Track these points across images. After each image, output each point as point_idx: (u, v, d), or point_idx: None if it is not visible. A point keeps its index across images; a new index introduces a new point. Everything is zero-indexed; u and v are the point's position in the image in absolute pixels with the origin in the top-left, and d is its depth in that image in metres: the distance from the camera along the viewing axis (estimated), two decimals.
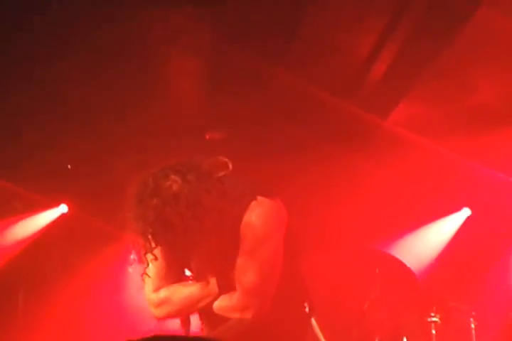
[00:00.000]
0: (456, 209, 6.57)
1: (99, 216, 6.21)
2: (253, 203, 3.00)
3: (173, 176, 2.95)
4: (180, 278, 3.14)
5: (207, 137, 6.39)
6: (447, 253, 6.37)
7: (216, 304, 2.99)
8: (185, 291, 3.05)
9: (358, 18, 4.97)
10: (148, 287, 3.09)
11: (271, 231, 3.00)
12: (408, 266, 5.14)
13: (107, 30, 5.04)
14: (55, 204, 6.59)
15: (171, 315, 3.10)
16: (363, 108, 5.87)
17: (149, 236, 2.96)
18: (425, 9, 4.78)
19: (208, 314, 3.07)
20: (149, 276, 3.07)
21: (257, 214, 2.99)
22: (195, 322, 3.19)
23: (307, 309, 3.23)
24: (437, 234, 6.47)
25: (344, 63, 5.57)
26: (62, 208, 6.61)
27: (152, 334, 1.99)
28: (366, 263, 5.22)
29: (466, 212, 6.53)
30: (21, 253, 6.34)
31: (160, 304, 3.05)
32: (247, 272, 2.96)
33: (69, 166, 6.40)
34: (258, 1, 4.91)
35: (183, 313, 3.10)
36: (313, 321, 3.29)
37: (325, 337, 3.33)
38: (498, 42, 4.90)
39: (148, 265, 3.05)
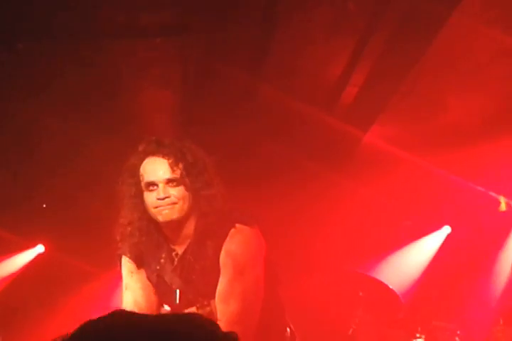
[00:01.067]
0: (437, 227, 6.56)
1: (76, 254, 6.12)
2: (232, 231, 2.95)
3: None
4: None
5: None
6: (430, 273, 6.34)
7: None
8: None
9: (327, 39, 5.01)
10: None
11: (251, 260, 2.96)
12: (391, 287, 5.10)
13: (74, 64, 5.02)
14: (32, 244, 6.48)
15: None
16: (339, 128, 5.89)
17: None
18: (392, 29, 4.84)
19: None
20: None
21: (237, 242, 2.95)
22: None
23: (288, 333, 3.19)
24: (419, 254, 6.44)
25: (316, 85, 5.60)
26: (39, 248, 6.50)
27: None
28: (349, 286, 5.17)
29: (446, 230, 6.52)
30: (0, 295, 6.21)
31: None
32: (229, 301, 2.89)
33: (44, 205, 6.31)
34: (224, 25, 4.93)
35: None
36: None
37: None
38: (466, 59, 4.96)
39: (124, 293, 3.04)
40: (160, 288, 3.10)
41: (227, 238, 2.95)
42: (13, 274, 6.33)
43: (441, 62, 4.91)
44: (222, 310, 2.90)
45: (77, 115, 5.37)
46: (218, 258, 2.96)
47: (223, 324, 2.82)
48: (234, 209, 3.06)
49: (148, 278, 3.13)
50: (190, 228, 2.99)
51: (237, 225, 2.96)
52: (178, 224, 2.99)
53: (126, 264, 3.17)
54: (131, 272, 3.15)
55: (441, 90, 5.26)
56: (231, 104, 5.62)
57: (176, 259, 3.03)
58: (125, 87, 5.32)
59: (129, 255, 3.13)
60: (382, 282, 5.22)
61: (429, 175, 6.11)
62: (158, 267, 3.08)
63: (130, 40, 5.00)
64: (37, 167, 5.99)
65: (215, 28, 4.93)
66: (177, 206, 2.91)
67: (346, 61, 5.21)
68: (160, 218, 2.96)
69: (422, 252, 6.43)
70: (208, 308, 2.98)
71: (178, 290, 3.03)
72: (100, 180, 6.09)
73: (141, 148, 2.97)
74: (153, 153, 2.93)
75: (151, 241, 3.03)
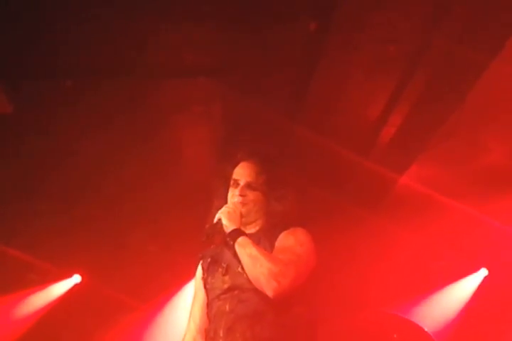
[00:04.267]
0: (474, 269, 6.49)
1: (113, 285, 6.18)
2: (288, 230, 3.18)
3: None
4: None
5: None
6: (466, 316, 6.27)
7: (253, 269, 2.99)
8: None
9: (366, 80, 5.05)
10: None
11: (309, 245, 3.14)
12: (426, 329, 5.05)
13: (120, 102, 5.14)
14: (69, 274, 6.56)
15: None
16: (375, 170, 5.89)
17: None
18: (432, 72, 4.86)
19: None
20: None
21: (295, 233, 3.17)
22: None
23: None
24: (455, 296, 6.38)
25: (354, 125, 5.63)
26: (76, 278, 6.57)
27: None
28: (385, 328, 5.14)
29: (483, 273, 6.44)
30: (37, 324, 6.28)
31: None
32: (285, 252, 3.06)
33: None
34: (265, 65, 5.01)
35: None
36: None
37: None
38: (507, 103, 4.95)
39: None
40: (210, 267, 3.28)
41: (284, 232, 3.17)
42: (49, 304, 6.41)
43: (482, 105, 4.92)
44: (278, 257, 3.03)
45: (117, 144, 5.48)
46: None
47: (278, 263, 2.98)
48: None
49: (202, 266, 3.34)
50: (254, 228, 3.25)
51: (292, 227, 3.20)
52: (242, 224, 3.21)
53: (199, 270, 3.40)
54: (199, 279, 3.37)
55: (481, 132, 5.26)
56: (269, 145, 5.66)
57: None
58: (167, 123, 5.41)
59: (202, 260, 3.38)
60: (417, 324, 5.19)
61: (467, 218, 6.07)
62: (213, 251, 3.30)
63: (172, 79, 5.10)
64: (78, 196, 6.10)
65: (256, 69, 5.02)
66: (246, 207, 3.21)
67: (385, 102, 5.23)
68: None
69: (458, 294, 6.37)
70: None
71: (225, 265, 3.19)
72: (137, 208, 6.20)
73: (237, 155, 3.34)
74: (246, 160, 3.30)
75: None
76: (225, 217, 3.13)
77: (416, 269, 6.33)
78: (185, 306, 6.16)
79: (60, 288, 6.48)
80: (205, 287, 3.29)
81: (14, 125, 5.33)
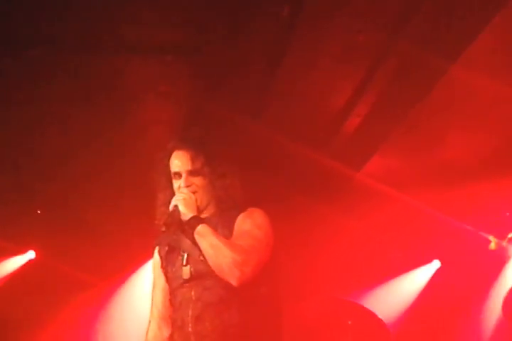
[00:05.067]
0: (427, 261, 6.60)
1: (69, 261, 6.12)
2: (246, 211, 3.22)
3: None
4: None
5: None
6: (418, 305, 6.38)
7: (216, 259, 3.00)
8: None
9: (333, 67, 5.08)
10: None
11: (266, 226, 3.18)
12: (380, 317, 5.12)
13: (82, 74, 5.07)
14: (23, 250, 6.47)
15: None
16: (336, 159, 5.94)
17: None
18: (400, 62, 4.91)
19: None
20: None
21: (253, 215, 3.20)
22: None
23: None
24: (408, 286, 6.49)
25: (318, 114, 5.65)
26: (30, 254, 6.49)
27: None
28: (339, 315, 5.20)
29: (436, 264, 6.56)
30: None
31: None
32: (245, 238, 3.08)
33: (39, 211, 6.32)
34: (233, 48, 4.99)
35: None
36: None
37: None
38: (470, 97, 5.02)
39: None
40: (169, 255, 3.28)
41: (241, 215, 3.19)
42: (1, 279, 6.31)
43: (444, 100, 4.96)
44: (238, 243, 3.05)
45: (79, 121, 5.42)
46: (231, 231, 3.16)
47: (240, 250, 2.99)
48: (248, 199, 3.30)
49: (159, 254, 3.34)
50: (209, 212, 3.25)
51: (249, 208, 3.22)
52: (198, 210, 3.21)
53: (156, 257, 3.39)
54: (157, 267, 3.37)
55: (442, 127, 5.32)
56: (231, 130, 5.66)
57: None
58: (131, 98, 5.36)
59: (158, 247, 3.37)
60: (372, 311, 5.26)
61: (422, 211, 6.15)
62: (169, 238, 3.30)
63: (141, 55, 5.05)
64: (33, 172, 6.01)
65: (225, 50, 4.99)
66: (197, 195, 3.21)
67: (351, 91, 5.27)
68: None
69: (411, 284, 6.47)
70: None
71: (185, 254, 3.19)
72: (96, 187, 6.14)
73: (169, 145, 3.31)
74: (178, 148, 3.27)
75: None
76: (181, 204, 3.12)
77: (370, 259, 6.41)
78: (141, 286, 6.18)
79: (14, 263, 6.39)
80: (165, 275, 3.29)
81: None
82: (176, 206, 3.12)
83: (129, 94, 5.34)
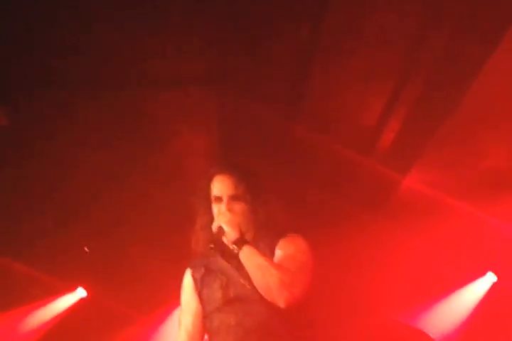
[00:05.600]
0: (481, 274, 6.40)
1: (117, 298, 6.16)
2: (285, 237, 3.14)
3: None
4: None
5: None
6: (473, 322, 6.17)
7: (263, 279, 2.94)
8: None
9: (362, 85, 5.02)
10: None
11: (309, 253, 3.10)
12: (433, 337, 4.97)
13: (113, 112, 5.14)
14: (73, 288, 6.55)
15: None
16: (377, 173, 5.84)
17: None
18: (428, 74, 4.82)
19: None
20: None
21: (293, 241, 3.13)
22: None
23: None
24: (463, 302, 6.28)
25: (353, 130, 5.59)
26: (80, 292, 6.56)
27: None
28: (392, 337, 5.07)
29: (490, 277, 6.34)
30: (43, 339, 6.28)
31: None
32: (290, 261, 3.02)
33: (86, 249, 6.39)
34: (256, 72, 4.98)
35: None
36: None
37: None
38: (505, 105, 4.89)
39: None
40: (205, 278, 3.21)
41: (282, 240, 3.13)
42: (54, 318, 6.40)
43: (479, 107, 4.86)
44: (283, 266, 2.99)
45: (114, 165, 5.49)
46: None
47: (287, 272, 2.93)
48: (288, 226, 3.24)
49: (193, 276, 3.26)
50: (249, 238, 3.17)
51: (289, 234, 3.16)
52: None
53: (188, 280, 3.32)
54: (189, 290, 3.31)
55: (480, 136, 5.19)
56: (268, 151, 5.64)
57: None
58: (161, 133, 5.40)
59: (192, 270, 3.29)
60: (423, 332, 5.12)
61: (472, 220, 5.99)
62: (205, 261, 3.24)
63: (166, 87, 5.09)
64: (78, 211, 6.09)
65: (250, 75, 4.99)
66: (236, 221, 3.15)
67: (382, 107, 5.19)
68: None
69: (465, 301, 6.28)
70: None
71: (224, 277, 3.13)
72: (138, 222, 6.18)
73: (211, 170, 3.28)
74: (220, 173, 3.23)
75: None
76: (225, 224, 3.08)
77: (421, 274, 6.25)
78: None
79: (65, 302, 6.47)
80: (200, 298, 3.22)
81: (11, 137, 5.32)
82: (220, 227, 3.08)
83: (160, 127, 5.38)
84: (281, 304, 2.89)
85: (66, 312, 6.44)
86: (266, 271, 2.94)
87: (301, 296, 2.93)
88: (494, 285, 6.33)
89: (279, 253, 3.09)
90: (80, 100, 5.14)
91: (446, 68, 4.71)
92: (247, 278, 3.02)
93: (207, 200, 3.23)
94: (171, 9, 4.49)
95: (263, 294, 2.95)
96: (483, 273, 6.38)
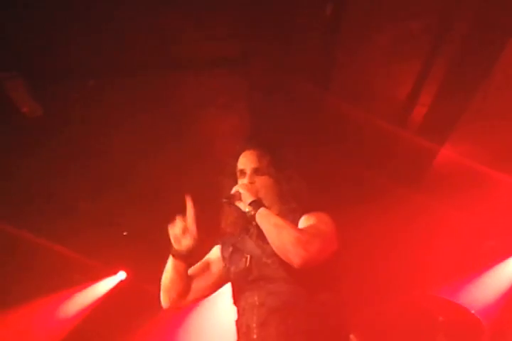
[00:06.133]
0: None
1: (157, 282, 6.21)
2: (306, 214, 3.14)
3: None
4: None
5: None
6: None
7: (278, 237, 2.93)
8: None
9: (389, 62, 4.94)
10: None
11: (332, 227, 3.08)
12: (473, 311, 4.92)
13: (143, 98, 5.16)
14: (114, 271, 6.64)
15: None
16: (412, 146, 5.77)
17: None
18: (456, 47, 4.72)
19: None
20: None
21: (318, 213, 3.12)
22: None
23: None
24: (502, 276, 6.20)
25: (384, 106, 5.52)
26: (121, 275, 6.65)
27: None
28: (429, 311, 5.04)
29: None
30: (83, 322, 6.39)
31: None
32: (309, 227, 3.01)
33: (125, 233, 6.47)
34: (286, 51, 4.94)
35: None
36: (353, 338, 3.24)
37: None
38: None
39: None
40: (233, 256, 3.24)
41: (306, 215, 3.12)
42: (96, 301, 6.50)
43: (509, 77, 4.74)
44: (305, 226, 3.02)
45: (147, 148, 5.50)
46: None
47: (306, 230, 2.96)
48: (314, 203, 3.22)
49: (222, 254, 3.29)
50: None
51: (313, 211, 3.14)
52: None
53: (215, 253, 3.37)
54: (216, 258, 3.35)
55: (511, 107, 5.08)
56: (300, 129, 5.61)
57: (253, 228, 3.18)
58: (192, 116, 5.40)
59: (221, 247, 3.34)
60: (463, 306, 5.07)
61: (510, 192, 5.89)
62: (234, 240, 3.27)
63: (194, 71, 5.08)
64: (120, 195, 6.15)
65: (277, 54, 4.95)
66: (260, 193, 3.15)
67: (413, 82, 5.11)
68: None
69: (506, 275, 6.18)
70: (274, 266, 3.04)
71: (248, 256, 3.15)
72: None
73: (237, 147, 3.33)
74: (246, 148, 3.29)
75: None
76: (242, 188, 3.10)
77: (460, 248, 6.18)
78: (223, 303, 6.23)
79: (106, 284, 6.57)
80: (228, 276, 3.26)
81: (43, 126, 5.39)
82: (237, 191, 3.10)
83: (189, 110, 5.39)
84: (297, 262, 2.87)
85: (106, 295, 6.53)
86: (282, 229, 2.91)
87: (317, 256, 2.89)
88: None
89: (300, 225, 3.07)
90: (107, 87, 5.17)
91: (475, 40, 4.60)
92: (271, 256, 3.03)
93: (233, 178, 3.25)
94: None
95: (278, 253, 2.93)
96: None
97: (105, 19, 4.64)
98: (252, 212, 3.02)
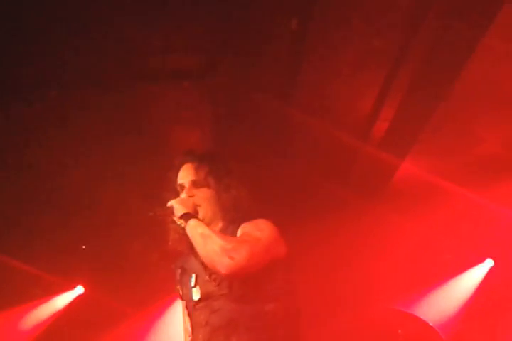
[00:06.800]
0: (479, 260, 6.40)
1: (115, 295, 6.17)
2: (245, 223, 3.06)
3: None
4: None
5: None
6: (472, 308, 6.18)
7: (205, 247, 2.89)
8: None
9: (354, 74, 5.01)
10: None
11: (270, 232, 3.00)
12: (431, 324, 4.99)
13: (104, 109, 5.12)
14: (72, 286, 6.56)
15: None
16: (373, 161, 5.85)
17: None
18: (419, 62, 4.80)
19: None
20: None
21: (256, 221, 3.05)
22: None
23: None
24: (460, 289, 6.29)
25: (347, 119, 5.59)
26: (79, 289, 6.57)
27: None
28: (389, 324, 5.09)
29: (488, 264, 6.34)
30: (42, 336, 6.30)
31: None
32: (241, 236, 2.97)
33: (83, 247, 6.39)
34: (249, 65, 4.97)
35: None
36: None
37: None
38: (496, 90, 4.87)
39: None
40: (182, 279, 3.20)
41: (243, 224, 3.05)
42: (54, 315, 6.42)
43: (471, 93, 4.84)
44: (237, 235, 2.97)
45: (114, 160, 5.47)
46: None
47: (234, 240, 2.90)
48: (255, 211, 3.15)
49: (175, 278, 3.25)
50: (217, 227, 3.13)
51: (254, 219, 3.07)
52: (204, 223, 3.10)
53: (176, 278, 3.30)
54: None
55: (473, 122, 5.19)
56: (263, 141, 5.64)
57: None
58: (157, 131, 5.39)
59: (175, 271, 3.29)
60: (421, 319, 5.13)
61: (469, 205, 5.99)
62: (182, 260, 3.23)
63: (159, 84, 5.07)
64: (76, 209, 6.08)
65: (242, 67, 4.98)
66: (201, 208, 3.11)
67: (375, 96, 5.18)
68: None
69: (463, 287, 6.28)
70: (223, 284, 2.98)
71: (194, 275, 3.10)
72: (138, 222, 6.17)
73: (176, 161, 3.26)
74: (184, 162, 3.22)
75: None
76: (175, 202, 3.05)
77: (419, 261, 6.26)
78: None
79: (64, 299, 6.48)
80: (181, 298, 3.22)
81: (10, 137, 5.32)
82: (171, 206, 3.04)
83: (154, 124, 5.37)
84: (223, 271, 2.83)
85: (65, 310, 6.45)
86: (208, 238, 2.89)
87: (244, 264, 2.83)
88: (492, 271, 6.34)
89: (238, 234, 3.02)
90: (72, 99, 5.13)
91: (437, 55, 4.70)
92: (212, 273, 2.97)
93: (175, 193, 3.19)
94: (166, 2, 4.47)
95: (206, 264, 2.90)
96: (481, 259, 6.38)
97: (69, 29, 4.61)
98: (183, 225, 2.99)
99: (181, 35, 4.70)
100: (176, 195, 3.16)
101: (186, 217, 3.01)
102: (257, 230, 2.98)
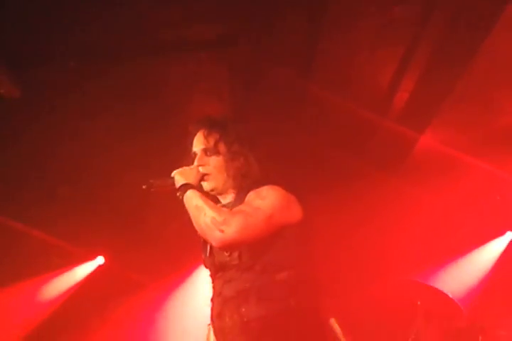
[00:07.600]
0: (499, 232, 6.38)
1: (135, 266, 6.22)
2: (254, 190, 2.97)
3: None
4: None
5: None
6: (491, 280, 6.17)
7: (198, 219, 2.83)
8: None
9: (373, 47, 4.96)
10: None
11: (273, 199, 2.91)
12: (451, 295, 4.98)
13: (125, 81, 5.13)
14: (92, 256, 6.62)
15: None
16: (394, 132, 5.80)
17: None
18: (440, 33, 4.75)
19: None
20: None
21: (264, 189, 2.95)
22: None
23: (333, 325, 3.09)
24: (480, 261, 6.28)
25: (366, 91, 5.54)
26: (99, 260, 6.64)
27: None
28: (407, 296, 5.09)
29: (509, 236, 6.32)
30: (62, 307, 6.37)
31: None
32: (242, 206, 2.89)
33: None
34: (270, 36, 4.93)
35: None
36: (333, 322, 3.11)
37: None
38: None
39: None
40: (202, 245, 3.14)
41: (251, 192, 2.97)
42: (75, 285, 6.49)
43: (491, 65, 4.79)
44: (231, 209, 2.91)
45: (128, 132, 5.47)
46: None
47: (227, 213, 2.83)
48: (265, 178, 3.06)
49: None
50: (229, 195, 3.09)
51: (261, 187, 2.97)
52: (216, 193, 3.09)
53: None
54: None
55: (494, 94, 5.13)
56: (282, 115, 5.61)
57: None
58: (174, 101, 5.37)
59: None
60: (441, 291, 5.11)
61: (490, 178, 5.95)
62: None
63: (177, 55, 5.05)
64: (98, 179, 6.12)
65: (261, 39, 4.94)
66: (211, 176, 3.06)
67: (395, 67, 5.13)
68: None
69: (483, 260, 6.26)
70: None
71: (209, 245, 3.02)
72: (158, 196, 6.18)
73: (190, 128, 3.19)
74: (198, 129, 3.15)
75: None
76: (178, 173, 3.00)
77: (439, 233, 6.24)
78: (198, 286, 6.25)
79: (85, 269, 6.55)
80: (206, 267, 3.17)
81: (23, 108, 5.33)
82: (173, 177, 3.00)
83: (172, 94, 5.36)
84: (214, 243, 2.79)
85: (85, 280, 6.52)
86: (201, 211, 2.82)
87: (237, 236, 2.76)
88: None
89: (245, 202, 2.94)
90: (90, 71, 5.13)
91: (458, 25, 4.63)
92: None
93: (192, 161, 3.11)
94: None
95: (200, 234, 2.83)
96: (501, 232, 6.36)
97: (89, 3, 4.60)
98: (181, 197, 2.93)
99: (201, 5, 4.67)
100: (192, 163, 3.10)
101: (184, 188, 2.95)
102: (259, 198, 2.90)
